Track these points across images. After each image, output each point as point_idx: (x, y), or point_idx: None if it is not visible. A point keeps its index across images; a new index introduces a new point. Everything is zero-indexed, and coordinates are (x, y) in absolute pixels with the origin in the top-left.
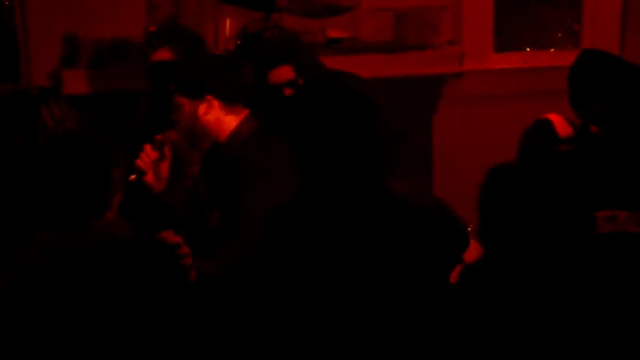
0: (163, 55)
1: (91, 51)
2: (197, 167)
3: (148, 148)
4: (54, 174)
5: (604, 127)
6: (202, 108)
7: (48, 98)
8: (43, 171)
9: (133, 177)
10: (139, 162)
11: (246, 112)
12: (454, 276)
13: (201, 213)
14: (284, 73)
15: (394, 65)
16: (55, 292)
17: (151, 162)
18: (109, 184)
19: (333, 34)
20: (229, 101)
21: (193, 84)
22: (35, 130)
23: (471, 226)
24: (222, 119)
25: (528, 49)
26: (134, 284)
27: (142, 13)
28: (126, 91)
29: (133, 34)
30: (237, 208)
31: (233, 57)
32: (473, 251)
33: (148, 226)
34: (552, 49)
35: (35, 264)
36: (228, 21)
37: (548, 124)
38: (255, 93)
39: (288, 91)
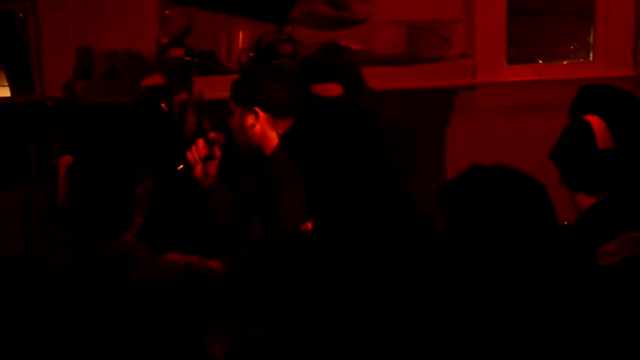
0: None
1: (104, 63)
2: (248, 179)
3: (200, 142)
4: (76, 193)
5: None
6: (250, 119)
7: (63, 110)
8: (68, 190)
9: (181, 167)
10: (189, 154)
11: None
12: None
13: (246, 223)
14: (331, 89)
15: (407, 77)
16: (61, 312)
17: (199, 157)
18: (130, 203)
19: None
20: (277, 115)
21: (246, 92)
22: (50, 140)
23: None
24: (267, 133)
25: (541, 62)
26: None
27: (155, 25)
28: (140, 103)
29: (145, 47)
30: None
31: (287, 70)
32: None
33: (171, 244)
34: (565, 62)
35: (48, 282)
36: (240, 33)
37: (587, 127)
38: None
39: None
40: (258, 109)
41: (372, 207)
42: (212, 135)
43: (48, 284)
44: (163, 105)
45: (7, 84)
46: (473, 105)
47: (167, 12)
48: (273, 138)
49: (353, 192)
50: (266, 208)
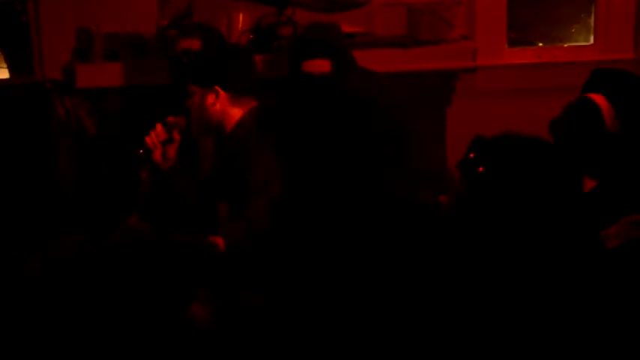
0: (193, 44)
1: (103, 45)
2: (209, 160)
3: (159, 127)
4: (85, 179)
5: None
6: (210, 98)
7: (61, 91)
8: (77, 176)
9: (140, 151)
10: (147, 139)
11: (253, 104)
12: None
13: (211, 203)
14: (321, 65)
15: (407, 60)
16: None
17: (158, 141)
18: (135, 188)
19: (347, 28)
20: (237, 93)
21: (206, 73)
22: (49, 122)
23: None
24: (228, 111)
25: (541, 44)
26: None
27: (155, 7)
28: (139, 85)
29: (145, 29)
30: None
31: (245, 50)
32: None
33: (165, 224)
34: (565, 45)
35: (66, 259)
36: (241, 15)
37: (596, 109)
38: (289, 78)
39: (317, 80)
40: (218, 88)
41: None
42: (170, 119)
43: (68, 259)
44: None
45: (6, 66)
46: (473, 88)
47: None
48: (233, 115)
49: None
50: (230, 184)
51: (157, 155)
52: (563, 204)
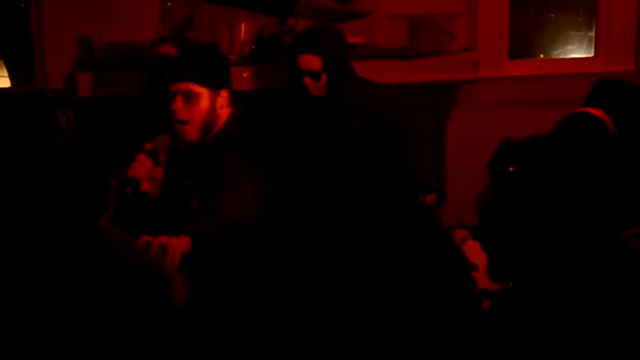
0: (170, 49)
1: (105, 54)
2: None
3: (141, 157)
4: (53, 181)
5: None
6: (219, 101)
7: (63, 101)
8: (45, 178)
9: (129, 189)
10: (135, 173)
11: (240, 106)
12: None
13: (182, 201)
14: (311, 61)
15: (409, 71)
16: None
17: (147, 171)
18: (105, 192)
19: (349, 39)
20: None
21: (218, 74)
22: (50, 132)
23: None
24: (226, 112)
25: (543, 56)
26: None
27: (156, 17)
28: (139, 96)
29: (147, 39)
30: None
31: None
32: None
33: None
34: (567, 57)
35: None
36: (243, 25)
37: (600, 123)
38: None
39: (308, 80)
40: (227, 90)
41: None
42: (149, 145)
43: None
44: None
45: (7, 74)
46: (475, 99)
47: (169, 4)
48: (223, 115)
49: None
50: (207, 184)
51: (146, 185)
52: (594, 203)
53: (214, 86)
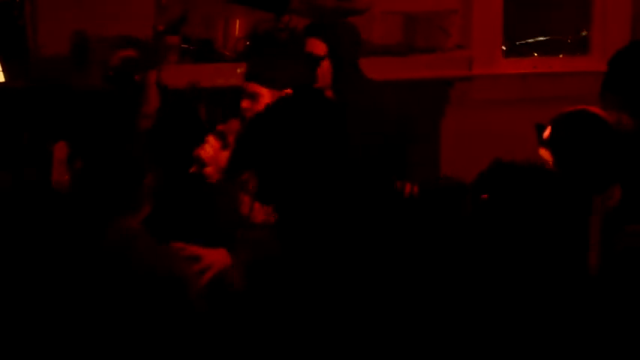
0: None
1: (99, 49)
2: None
3: (211, 138)
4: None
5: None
6: None
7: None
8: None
9: (194, 169)
10: (202, 153)
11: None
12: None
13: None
14: (316, 45)
15: (403, 68)
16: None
17: (213, 153)
18: (139, 192)
19: None
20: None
21: (280, 75)
22: (47, 126)
23: None
24: None
25: (537, 55)
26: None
27: (151, 12)
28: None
29: (141, 33)
30: None
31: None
32: None
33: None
34: (561, 55)
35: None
36: (237, 21)
37: (599, 120)
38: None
39: (312, 65)
40: (290, 91)
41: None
42: (220, 127)
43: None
44: (137, 77)
45: (1, 69)
46: (468, 97)
47: (163, 0)
48: None
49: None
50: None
51: (211, 169)
52: (567, 233)
53: (276, 86)
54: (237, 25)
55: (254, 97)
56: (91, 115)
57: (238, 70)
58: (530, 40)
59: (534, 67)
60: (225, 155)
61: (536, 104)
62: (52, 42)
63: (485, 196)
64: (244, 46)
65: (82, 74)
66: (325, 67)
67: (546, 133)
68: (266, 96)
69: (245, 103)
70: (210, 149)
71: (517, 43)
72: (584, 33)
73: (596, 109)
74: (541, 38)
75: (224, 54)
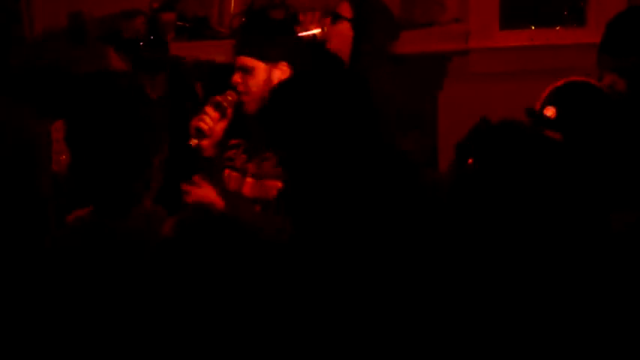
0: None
1: (95, 28)
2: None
3: (209, 109)
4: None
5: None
6: (276, 73)
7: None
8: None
9: (194, 142)
10: (201, 124)
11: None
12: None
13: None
14: (343, 6)
15: (400, 42)
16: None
17: (212, 124)
18: (149, 174)
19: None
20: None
21: (275, 48)
22: (44, 106)
23: None
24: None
25: (534, 27)
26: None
27: None
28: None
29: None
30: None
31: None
32: None
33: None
34: (558, 27)
35: (69, 246)
36: None
37: (595, 89)
38: None
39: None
40: (285, 65)
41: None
42: (218, 98)
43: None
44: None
45: None
46: (466, 70)
47: None
48: None
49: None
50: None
51: (207, 141)
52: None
53: (270, 59)
54: (233, 2)
55: (247, 70)
56: (92, 96)
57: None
58: (526, 13)
59: (531, 40)
60: (221, 127)
61: (534, 77)
62: (48, 22)
63: (471, 160)
64: (240, 22)
65: (79, 56)
66: (345, 28)
67: (549, 112)
68: (261, 70)
69: (237, 77)
70: (210, 120)
71: (513, 15)
72: (580, 4)
73: (584, 78)
74: (537, 10)
75: (219, 31)
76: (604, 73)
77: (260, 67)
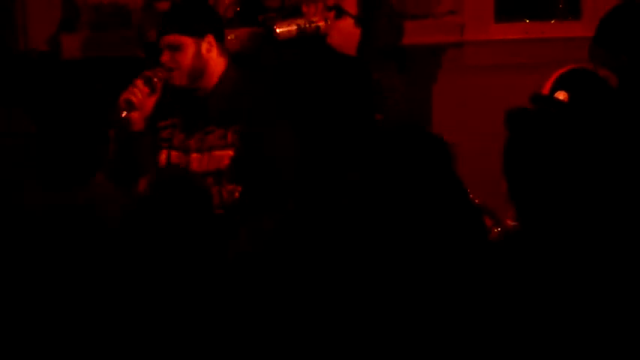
0: None
1: (90, 15)
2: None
3: (139, 82)
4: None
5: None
6: (204, 46)
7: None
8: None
9: (124, 114)
10: (131, 97)
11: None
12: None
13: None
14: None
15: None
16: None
17: (142, 97)
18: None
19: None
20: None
21: (199, 22)
22: (37, 94)
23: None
24: (217, 61)
25: (529, 20)
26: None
27: None
28: (125, 57)
29: (131, 1)
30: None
31: None
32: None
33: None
34: (553, 20)
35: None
36: None
37: (595, 76)
38: None
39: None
40: (212, 37)
41: None
42: (148, 72)
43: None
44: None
45: None
46: (461, 63)
47: None
48: (220, 64)
49: None
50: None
51: (136, 115)
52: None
53: (196, 33)
54: None
55: (176, 48)
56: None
57: (229, 37)
58: (521, 6)
59: (526, 33)
60: (151, 102)
61: (529, 70)
62: (41, 7)
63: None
64: (234, 12)
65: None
66: (348, 24)
67: (562, 96)
68: (189, 45)
69: (166, 56)
70: (139, 94)
71: (509, 8)
72: None
73: (586, 66)
74: (533, 3)
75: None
76: (597, 68)
77: (188, 42)
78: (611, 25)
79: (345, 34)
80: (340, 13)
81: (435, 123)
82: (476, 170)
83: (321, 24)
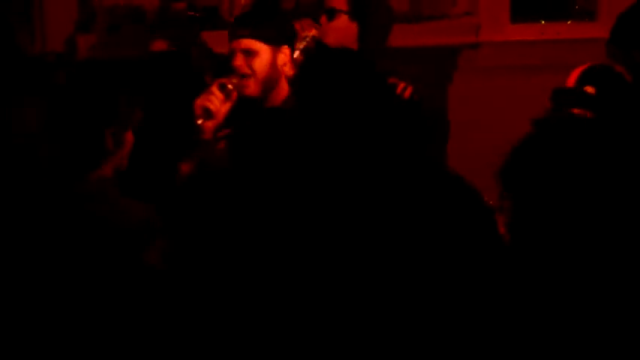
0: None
1: (105, 16)
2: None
3: (215, 89)
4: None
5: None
6: (281, 57)
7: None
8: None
9: (200, 121)
10: (208, 104)
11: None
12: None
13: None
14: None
15: (410, 35)
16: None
17: (218, 104)
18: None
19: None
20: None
21: (277, 31)
22: (51, 95)
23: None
24: (289, 75)
25: (544, 21)
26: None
27: None
28: (141, 57)
29: (147, 1)
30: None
31: None
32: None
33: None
34: (569, 21)
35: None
36: None
37: (614, 72)
38: None
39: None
40: (288, 49)
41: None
42: (224, 80)
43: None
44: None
45: None
46: (476, 64)
47: None
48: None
49: None
50: None
51: (211, 125)
52: None
53: (273, 42)
54: None
55: (251, 53)
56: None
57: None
58: (537, 6)
59: (542, 34)
60: (225, 110)
61: (544, 71)
62: (58, 9)
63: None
64: None
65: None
66: (342, 22)
67: (589, 90)
68: (265, 52)
69: (239, 60)
70: (217, 101)
71: (524, 9)
72: None
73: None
74: (548, 4)
75: (230, 21)
76: (615, 66)
77: (264, 49)
78: (624, 23)
79: (342, 31)
80: (333, 14)
81: (451, 123)
82: (490, 171)
83: (314, 32)
